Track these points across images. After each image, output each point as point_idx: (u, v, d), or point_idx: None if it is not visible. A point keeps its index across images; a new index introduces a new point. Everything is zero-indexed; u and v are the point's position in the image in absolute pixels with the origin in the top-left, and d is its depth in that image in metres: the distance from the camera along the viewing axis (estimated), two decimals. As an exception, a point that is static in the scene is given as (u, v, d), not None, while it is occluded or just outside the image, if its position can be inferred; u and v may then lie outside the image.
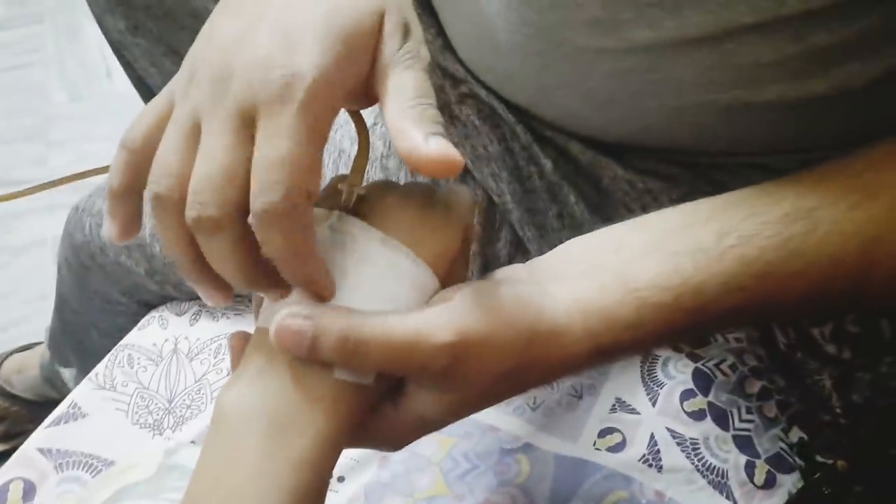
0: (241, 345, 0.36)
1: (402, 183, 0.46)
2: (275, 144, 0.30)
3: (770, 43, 0.40)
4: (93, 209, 0.70)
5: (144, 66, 0.80)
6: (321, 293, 0.33)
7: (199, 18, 0.69)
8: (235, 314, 0.66)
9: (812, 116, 0.45)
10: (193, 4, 0.71)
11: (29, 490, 0.55)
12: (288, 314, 0.32)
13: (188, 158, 0.32)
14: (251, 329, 0.64)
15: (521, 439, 0.55)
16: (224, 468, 0.32)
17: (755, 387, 0.56)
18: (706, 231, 0.36)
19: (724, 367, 0.58)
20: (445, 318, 0.33)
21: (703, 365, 0.58)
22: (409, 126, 0.32)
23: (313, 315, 0.32)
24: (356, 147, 0.39)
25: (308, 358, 0.32)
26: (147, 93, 0.85)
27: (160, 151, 0.33)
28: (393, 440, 0.37)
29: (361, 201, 0.36)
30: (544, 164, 0.54)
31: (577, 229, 0.39)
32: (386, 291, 0.34)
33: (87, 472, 0.56)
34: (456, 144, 0.56)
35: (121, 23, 0.75)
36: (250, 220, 0.31)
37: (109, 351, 0.65)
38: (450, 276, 0.37)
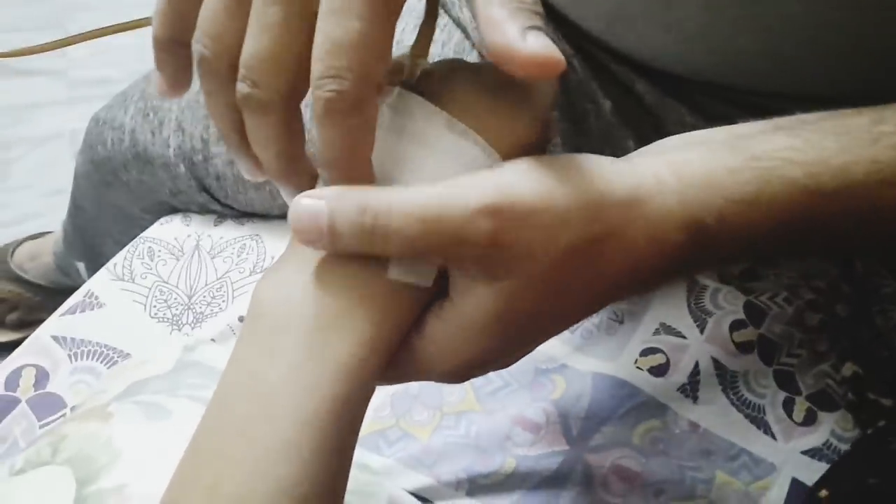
0: None
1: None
2: (342, 23, 0.26)
3: None
4: (114, 122, 0.66)
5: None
6: None
7: None
8: (262, 220, 0.63)
9: None
10: None
11: (42, 377, 0.53)
12: (302, 195, 0.28)
13: (237, 21, 0.28)
14: (275, 237, 0.62)
15: (558, 360, 0.53)
16: (260, 364, 0.28)
17: (814, 319, 0.53)
18: (856, 117, 0.29)
19: (778, 300, 0.54)
20: (484, 179, 0.27)
21: (755, 299, 0.54)
22: (502, 15, 0.27)
23: (327, 195, 0.28)
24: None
25: (330, 248, 0.28)
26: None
27: (205, 7, 0.29)
28: (441, 362, 0.30)
29: (426, 78, 0.31)
30: (602, 103, 0.49)
31: None
32: None
33: (101, 362, 0.54)
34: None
35: None
36: (312, 109, 0.27)
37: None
38: None
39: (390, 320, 0.29)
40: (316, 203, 0.27)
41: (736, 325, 0.53)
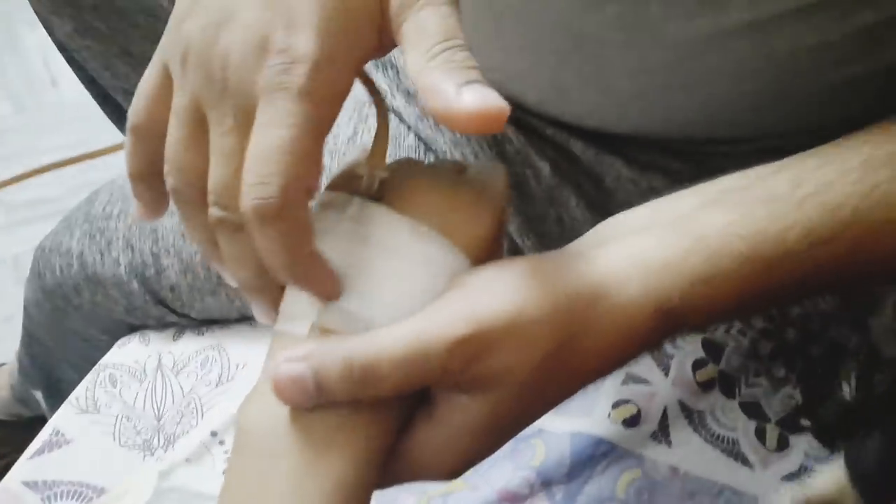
0: None
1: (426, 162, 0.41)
2: (269, 133, 0.28)
3: (813, 26, 0.37)
4: (60, 248, 0.66)
5: (96, 69, 0.76)
6: (327, 296, 0.30)
7: (154, 16, 0.65)
8: (221, 328, 0.63)
9: (849, 97, 0.41)
10: (147, 2, 0.67)
11: (16, 527, 0.52)
12: (283, 360, 0.28)
13: (199, 151, 0.30)
14: (237, 344, 0.62)
15: (534, 426, 0.53)
16: (253, 493, 0.29)
17: (767, 348, 0.55)
18: (777, 181, 0.31)
19: (733, 332, 0.56)
20: (454, 310, 0.28)
21: (711, 334, 0.56)
22: (437, 79, 0.27)
23: (308, 354, 0.28)
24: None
25: (318, 403, 0.29)
26: (100, 94, 0.81)
27: (168, 144, 0.31)
28: (431, 465, 0.31)
29: (384, 184, 0.32)
30: (541, 168, 0.50)
31: (579, 233, 0.34)
32: (419, 289, 0.30)
33: (77, 501, 0.53)
34: (444, 153, 0.53)
35: (68, 25, 0.71)
36: (244, 217, 0.28)
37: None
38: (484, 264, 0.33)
39: (380, 432, 0.30)
40: (296, 367, 0.28)
41: (697, 365, 0.55)
